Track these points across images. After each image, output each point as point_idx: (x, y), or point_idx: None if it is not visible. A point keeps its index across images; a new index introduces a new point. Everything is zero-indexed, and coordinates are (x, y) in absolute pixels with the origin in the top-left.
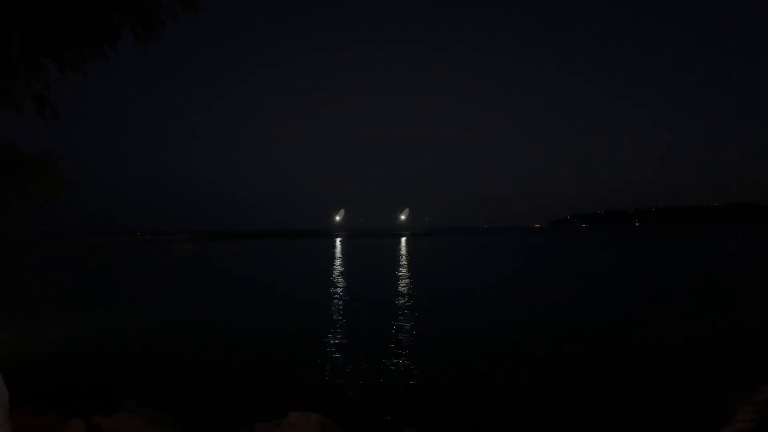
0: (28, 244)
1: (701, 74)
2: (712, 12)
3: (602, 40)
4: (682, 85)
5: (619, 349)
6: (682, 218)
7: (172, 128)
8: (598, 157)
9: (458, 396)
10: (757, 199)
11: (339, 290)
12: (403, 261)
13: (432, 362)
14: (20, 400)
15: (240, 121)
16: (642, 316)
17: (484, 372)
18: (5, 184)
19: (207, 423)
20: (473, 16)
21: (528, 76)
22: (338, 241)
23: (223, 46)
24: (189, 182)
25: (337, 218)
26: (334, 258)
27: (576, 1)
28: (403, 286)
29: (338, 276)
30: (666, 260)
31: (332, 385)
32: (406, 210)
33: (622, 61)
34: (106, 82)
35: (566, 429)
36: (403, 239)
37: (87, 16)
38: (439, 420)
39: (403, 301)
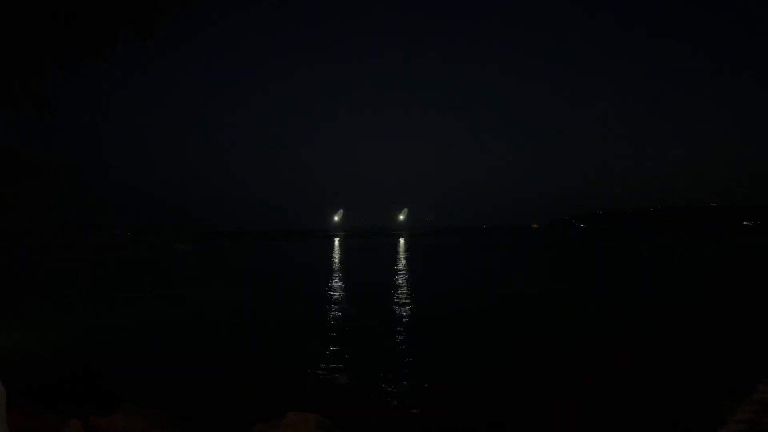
0: (24, 245)
1: (702, 72)
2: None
3: (603, 41)
4: (681, 83)
5: (618, 350)
6: (681, 219)
7: (170, 128)
8: (598, 158)
9: (458, 396)
10: (757, 198)
11: (337, 290)
12: (401, 261)
13: (431, 362)
14: (18, 400)
15: (239, 121)
16: (639, 316)
17: (484, 372)
18: (3, 184)
19: (205, 423)
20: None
21: (527, 77)
22: (337, 241)
23: (225, 47)
24: (187, 182)
25: (336, 218)
26: (332, 258)
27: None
28: (401, 286)
29: (336, 276)
30: (664, 260)
31: (330, 386)
32: (405, 210)
33: (623, 60)
34: (103, 82)
35: (565, 429)
36: (402, 239)
37: (85, 16)
38: (439, 420)
39: (401, 301)
